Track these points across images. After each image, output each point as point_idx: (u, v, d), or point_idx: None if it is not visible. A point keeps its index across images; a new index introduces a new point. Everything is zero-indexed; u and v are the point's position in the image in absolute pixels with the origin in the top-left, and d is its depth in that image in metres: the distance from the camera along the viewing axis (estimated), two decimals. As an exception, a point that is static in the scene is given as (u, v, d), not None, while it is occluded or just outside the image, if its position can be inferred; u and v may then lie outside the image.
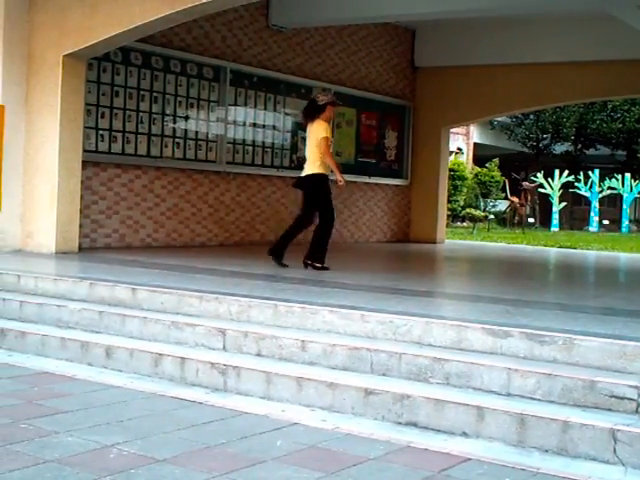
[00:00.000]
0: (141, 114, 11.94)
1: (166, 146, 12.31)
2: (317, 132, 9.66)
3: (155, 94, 12.12)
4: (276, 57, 14.00)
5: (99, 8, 9.94)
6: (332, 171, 9.88)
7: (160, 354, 6.31)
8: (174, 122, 12.43)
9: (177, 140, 12.47)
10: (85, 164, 10.91)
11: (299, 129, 14.58)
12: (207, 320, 6.76)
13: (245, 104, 13.57)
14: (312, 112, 9.81)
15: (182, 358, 6.19)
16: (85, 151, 10.91)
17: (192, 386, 6.02)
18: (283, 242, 9.96)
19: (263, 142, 13.92)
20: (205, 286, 7.58)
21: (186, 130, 12.62)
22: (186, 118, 12.62)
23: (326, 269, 9.74)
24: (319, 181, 9.78)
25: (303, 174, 9.88)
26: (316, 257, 9.82)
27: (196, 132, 12.77)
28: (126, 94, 11.74)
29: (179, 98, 12.47)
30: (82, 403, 5.45)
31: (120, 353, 6.52)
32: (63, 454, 4.36)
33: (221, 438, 4.76)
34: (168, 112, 12.32)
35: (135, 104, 11.85)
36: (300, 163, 14.42)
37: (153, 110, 12.09)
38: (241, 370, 5.90)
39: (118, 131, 11.66)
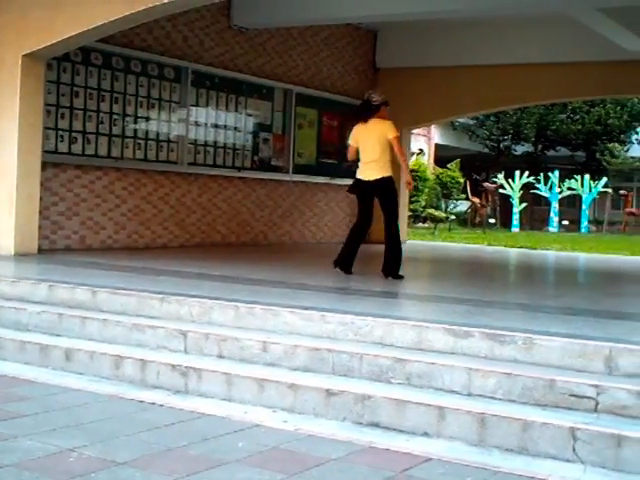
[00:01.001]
0: (102, 115, 11.85)
1: (127, 147, 12.22)
2: (383, 132, 9.27)
3: (116, 94, 12.03)
4: (238, 58, 13.97)
5: (60, 8, 9.84)
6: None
7: (121, 356, 6.27)
8: (135, 123, 12.35)
9: (138, 141, 12.40)
10: (45, 165, 10.80)
11: (261, 130, 14.58)
12: (168, 322, 6.73)
13: (207, 105, 13.52)
14: (367, 112, 9.42)
15: (143, 360, 6.16)
16: (45, 152, 10.80)
17: (153, 388, 5.98)
18: (349, 253, 9.61)
19: (225, 143, 13.88)
20: (166, 288, 7.54)
21: (147, 131, 12.55)
22: (147, 119, 12.54)
23: (401, 277, 9.41)
24: (392, 184, 9.41)
25: (370, 178, 9.34)
26: (396, 267, 9.42)
27: (157, 133, 12.70)
28: (86, 94, 11.64)
29: (140, 99, 12.39)
30: (41, 406, 5.40)
31: (80, 356, 6.47)
32: (22, 458, 4.32)
33: (182, 440, 4.74)
34: (129, 113, 12.24)
35: (95, 105, 11.76)
36: (261, 164, 14.47)
37: (114, 111, 12.00)
38: (202, 372, 5.88)
39: (78, 132, 11.56)
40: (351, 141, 9.66)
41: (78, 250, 11.42)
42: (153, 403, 5.59)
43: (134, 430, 4.91)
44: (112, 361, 6.28)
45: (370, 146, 9.30)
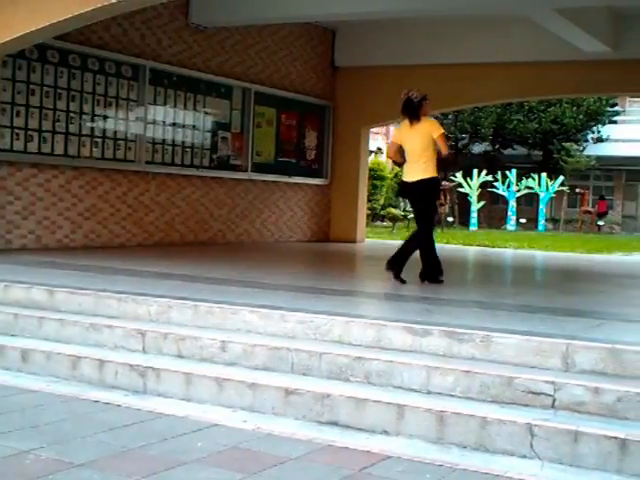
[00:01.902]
0: (58, 113, 11.73)
1: (84, 145, 12.12)
2: (427, 131, 8.90)
3: (72, 92, 11.91)
4: (196, 56, 13.90)
5: (16, 6, 9.71)
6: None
7: (78, 357, 6.22)
8: (92, 121, 12.25)
9: (95, 139, 12.29)
10: (0, 163, 10.68)
11: (219, 129, 14.53)
12: (126, 321, 6.68)
13: (165, 103, 13.44)
14: (412, 111, 9.02)
15: (100, 360, 6.11)
16: (0, 150, 10.68)
17: (111, 388, 5.94)
18: (402, 257, 9.04)
19: (183, 142, 13.80)
20: (124, 287, 7.48)
21: (104, 129, 12.44)
22: (104, 117, 12.44)
23: (441, 282, 9.07)
24: (432, 186, 9.00)
25: (412, 179, 8.94)
26: (436, 270, 9.08)
27: (115, 131, 12.60)
28: (42, 92, 11.52)
29: (97, 97, 12.28)
30: (-3, 408, 5.35)
31: (36, 356, 6.41)
32: (-23, 460, 4.27)
33: (141, 441, 4.71)
34: (86, 111, 12.12)
35: (52, 102, 11.64)
36: (219, 163, 14.43)
37: (70, 109, 11.89)
38: (161, 372, 5.85)
39: (34, 130, 11.43)
40: (394, 139, 9.45)
41: (34, 250, 11.30)
42: (111, 403, 5.55)
43: (92, 431, 4.87)
44: (69, 361, 6.23)
45: (412, 147, 8.96)
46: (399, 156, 9.33)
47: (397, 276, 8.89)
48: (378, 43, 16.23)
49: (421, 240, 8.98)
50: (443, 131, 9.02)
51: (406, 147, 9.07)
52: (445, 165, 9.07)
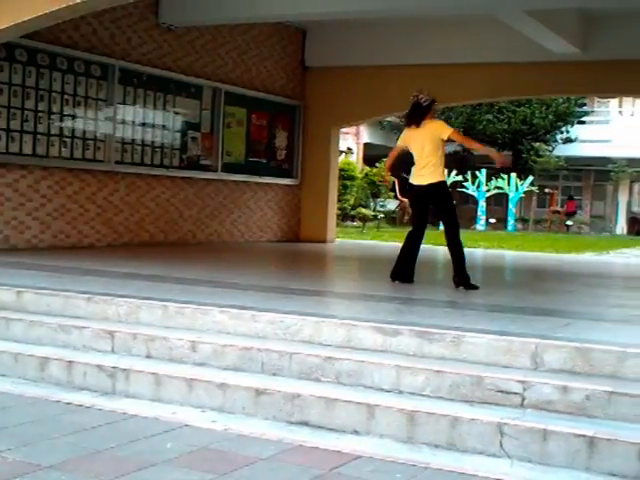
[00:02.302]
0: (26, 112, 11.63)
1: (52, 145, 12.03)
2: (435, 133, 8.78)
3: (41, 92, 11.82)
4: (166, 56, 13.84)
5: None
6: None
7: (46, 358, 6.18)
8: (61, 121, 12.16)
9: (64, 139, 12.21)
10: (-33, 163, 10.61)
11: (189, 129, 14.48)
12: (95, 322, 6.64)
13: (134, 103, 13.37)
14: (420, 115, 8.90)
15: (69, 362, 6.07)
16: (-33, 150, 10.61)
17: (80, 390, 5.90)
18: (408, 263, 9.01)
19: (153, 142, 13.74)
20: (93, 288, 7.44)
21: (73, 129, 12.35)
22: (73, 117, 12.35)
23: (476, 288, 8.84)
24: (445, 188, 8.98)
25: (422, 183, 8.85)
26: (466, 274, 8.85)
27: (84, 131, 12.51)
28: (10, 92, 11.41)
29: (66, 96, 12.20)
30: (-36, 410, 5.30)
31: (4, 358, 6.35)
32: (-56, 463, 4.22)
33: (110, 442, 4.68)
34: (55, 110, 12.03)
35: (20, 102, 11.53)
36: (189, 163, 14.38)
37: (39, 108, 11.79)
38: (130, 372, 5.82)
39: (2, 129, 11.32)
40: (399, 142, 9.29)
41: (2, 250, 11.20)
42: (80, 405, 5.51)
43: (60, 433, 4.83)
44: (37, 363, 6.18)
45: (420, 150, 8.84)
46: (397, 164, 9.33)
47: (409, 280, 8.92)
48: (349, 43, 16.24)
49: (457, 241, 8.83)
50: (452, 130, 8.89)
51: (414, 150, 8.93)
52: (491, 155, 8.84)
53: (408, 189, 9.20)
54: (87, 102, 12.54)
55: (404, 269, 9.01)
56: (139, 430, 4.97)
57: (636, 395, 4.82)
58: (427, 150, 8.79)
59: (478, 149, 9.18)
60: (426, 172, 8.81)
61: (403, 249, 9.07)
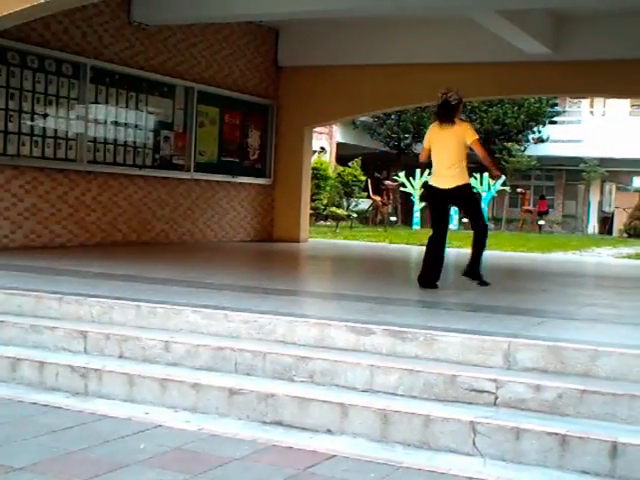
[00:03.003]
0: (-3, 111, 11.56)
1: (24, 144, 11.94)
2: (462, 136, 8.58)
3: (12, 90, 11.73)
4: (138, 55, 13.78)
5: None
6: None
7: (18, 358, 6.13)
8: (32, 120, 12.07)
9: (35, 138, 12.12)
10: (-63, 163, 10.51)
11: (162, 128, 14.42)
12: (67, 323, 6.61)
13: (106, 102, 13.29)
14: (450, 114, 8.66)
15: (41, 362, 6.03)
16: (-63, 149, 10.51)
17: (52, 391, 5.87)
18: (434, 268, 8.81)
19: (125, 141, 13.67)
20: (65, 288, 7.39)
21: (45, 128, 12.26)
22: (45, 116, 12.27)
23: (487, 284, 8.95)
24: (472, 190, 8.97)
25: (448, 186, 8.55)
26: (478, 272, 8.87)
27: (55, 130, 12.43)
28: (-20, 90, 11.34)
29: (37, 95, 12.11)
30: None
31: (-25, 358, 6.30)
32: None
33: (83, 443, 4.65)
34: (26, 109, 11.94)
35: (-10, 101, 11.47)
36: (162, 162, 14.32)
37: (10, 107, 11.70)
38: (103, 373, 5.79)
39: (-28, 129, 11.27)
40: (425, 143, 8.92)
41: (-27, 250, 11.13)
42: (52, 406, 5.48)
43: (32, 434, 4.80)
44: (9, 363, 6.14)
45: (447, 151, 8.59)
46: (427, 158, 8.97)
47: (434, 285, 8.74)
48: (322, 43, 16.26)
49: (483, 239, 8.84)
50: (477, 136, 8.76)
51: (436, 151, 8.69)
52: (490, 172, 8.78)
53: (428, 193, 8.98)
54: (59, 101, 12.47)
55: (432, 274, 8.79)
56: (112, 431, 4.95)
57: (608, 393, 4.86)
58: (454, 151, 8.58)
59: (489, 165, 9.12)
60: (452, 173, 8.57)
61: (428, 254, 8.84)
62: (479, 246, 8.88)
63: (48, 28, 12.11)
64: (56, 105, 12.43)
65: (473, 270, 8.91)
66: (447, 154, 8.60)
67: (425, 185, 8.89)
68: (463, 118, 9.11)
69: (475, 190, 9.06)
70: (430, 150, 8.80)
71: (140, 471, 4.25)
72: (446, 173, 8.59)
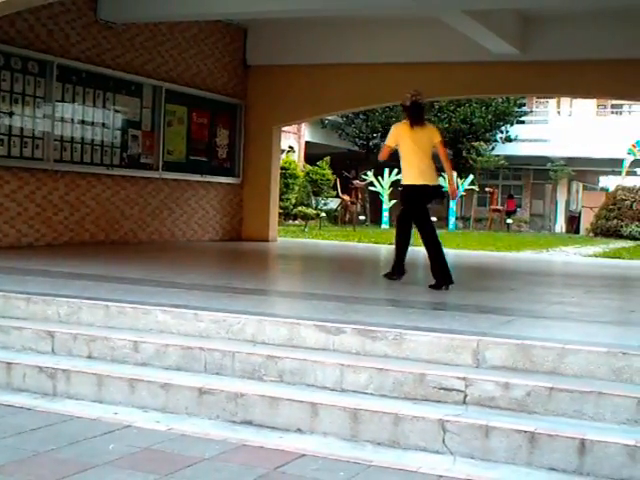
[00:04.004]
0: (-38, 110, 11.46)
1: (-11, 143, 11.85)
2: (431, 136, 8.88)
3: (-23, 89, 11.65)
4: (105, 53, 13.70)
5: None
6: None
7: (-16, 359, 6.07)
8: (-2, 118, 11.98)
9: (1, 137, 12.01)
10: None
11: (129, 127, 14.35)
12: (34, 323, 6.56)
13: (73, 100, 13.20)
14: (422, 114, 8.96)
15: (8, 363, 5.98)
16: None
17: (19, 392, 5.82)
18: (399, 260, 9.23)
19: (92, 140, 13.58)
20: (32, 288, 7.33)
21: (10, 126, 12.15)
22: (10, 114, 12.15)
23: (393, 277, 9.21)
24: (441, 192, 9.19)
25: (428, 183, 8.80)
26: (448, 274, 8.78)
27: (21, 129, 12.31)
28: (-54, 89, 11.23)
29: (2, 93, 12.00)
30: None
31: (-59, 359, 6.23)
32: None
33: (50, 444, 4.62)
34: (-9, 108, 11.86)
35: (-45, 99, 11.36)
36: (130, 162, 14.26)
37: (-25, 106, 11.62)
38: (71, 373, 5.75)
39: (-63, 127, 11.15)
40: (389, 142, 9.07)
41: (-62, 250, 11.01)
42: (19, 407, 5.43)
43: (-1, 435, 4.76)
44: (-24, 364, 6.08)
45: (423, 151, 8.82)
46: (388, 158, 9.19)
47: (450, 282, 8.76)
48: (290, 42, 16.25)
49: (437, 242, 8.88)
50: (441, 138, 8.99)
51: (413, 151, 8.83)
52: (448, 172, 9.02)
53: (411, 193, 8.94)
54: (25, 99, 12.36)
55: (400, 266, 9.14)
56: (80, 431, 4.91)
57: (575, 391, 4.90)
58: (429, 151, 8.84)
59: (447, 170, 9.18)
60: (431, 172, 8.83)
61: (398, 248, 9.24)
62: (439, 247, 8.89)
63: (13, 25, 12.00)
64: (22, 103, 12.33)
65: (447, 274, 8.79)
66: (424, 153, 8.81)
67: (405, 186, 8.89)
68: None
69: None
70: (395, 150, 8.97)
71: (109, 472, 4.23)
72: (426, 172, 8.80)
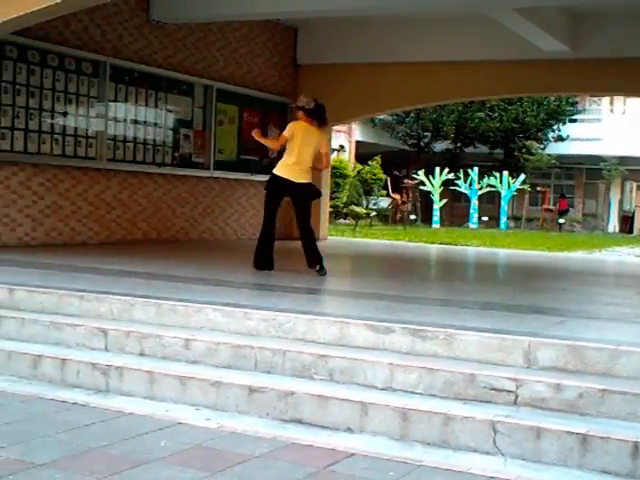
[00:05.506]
0: (17, 109, 11.60)
1: (44, 142, 12.00)
2: (321, 142, 9.50)
3: (32, 89, 11.79)
4: (157, 53, 13.82)
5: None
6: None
7: (39, 355, 6.16)
8: (52, 118, 12.12)
9: (55, 136, 12.17)
10: (-41, 161, 10.57)
11: (181, 126, 14.46)
12: (88, 320, 6.63)
13: (126, 100, 13.34)
14: (325, 118, 9.64)
15: (62, 359, 6.06)
16: (-41, 147, 10.57)
17: (73, 388, 5.89)
18: (269, 253, 9.85)
19: (144, 139, 13.71)
20: (86, 285, 7.42)
21: (65, 126, 12.32)
22: (65, 114, 12.32)
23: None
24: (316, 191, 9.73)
25: (302, 180, 9.45)
26: (319, 259, 9.53)
27: (75, 128, 12.47)
28: (1, 88, 11.38)
29: (57, 93, 12.16)
30: (-43, 408, 5.28)
31: (-3, 355, 6.33)
32: (-63, 461, 4.21)
33: (103, 440, 4.67)
34: (46, 107, 12.00)
35: (11, 99, 11.50)
36: (181, 160, 14.35)
37: (30, 105, 11.76)
38: (123, 370, 5.81)
39: (-7, 127, 11.32)
40: (287, 134, 9.54)
41: (-6, 248, 11.18)
42: (73, 403, 5.50)
43: (54, 431, 4.82)
44: (30, 360, 6.17)
45: (311, 150, 9.35)
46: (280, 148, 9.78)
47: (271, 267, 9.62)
48: (340, 41, 16.25)
49: (311, 233, 9.66)
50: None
51: (302, 147, 9.33)
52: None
53: (277, 183, 9.53)
54: (78, 99, 12.52)
55: (266, 259, 9.72)
56: (132, 428, 4.96)
57: (628, 393, 4.84)
58: (314, 152, 9.34)
59: (325, 169, 10.28)
60: (307, 169, 9.39)
61: (261, 240, 9.91)
62: (312, 237, 9.70)
63: (68, 26, 12.16)
64: (76, 103, 12.48)
65: (318, 257, 9.43)
66: (310, 153, 9.34)
67: (273, 175, 9.17)
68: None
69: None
70: (290, 142, 9.46)
71: (160, 468, 4.26)
72: (304, 168, 9.36)
